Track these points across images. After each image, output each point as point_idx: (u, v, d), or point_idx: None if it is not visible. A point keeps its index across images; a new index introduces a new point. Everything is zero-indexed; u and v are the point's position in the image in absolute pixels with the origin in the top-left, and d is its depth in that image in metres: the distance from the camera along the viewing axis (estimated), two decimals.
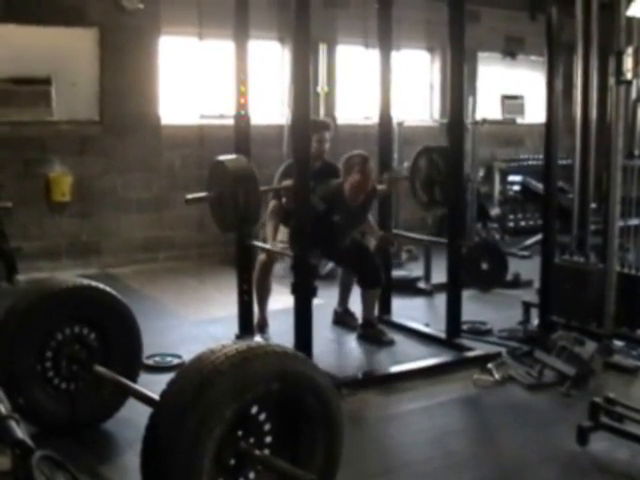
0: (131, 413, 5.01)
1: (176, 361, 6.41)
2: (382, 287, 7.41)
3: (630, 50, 6.43)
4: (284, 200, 6.97)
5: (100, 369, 4.91)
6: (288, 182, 6.53)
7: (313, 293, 6.07)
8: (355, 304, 7.58)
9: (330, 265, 8.67)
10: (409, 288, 9.11)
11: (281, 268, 7.98)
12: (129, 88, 10.19)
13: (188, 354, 3.78)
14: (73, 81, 9.96)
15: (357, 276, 7.35)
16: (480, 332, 7.41)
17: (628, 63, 6.41)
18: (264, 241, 7.29)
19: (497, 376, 6.21)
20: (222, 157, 6.31)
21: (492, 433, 5.53)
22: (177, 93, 10.82)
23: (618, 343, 6.70)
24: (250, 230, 6.78)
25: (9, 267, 9.11)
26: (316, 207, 6.49)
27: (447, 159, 7.10)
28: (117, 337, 5.16)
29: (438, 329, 7.28)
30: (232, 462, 3.54)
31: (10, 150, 9.57)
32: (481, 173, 11.77)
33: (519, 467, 4.83)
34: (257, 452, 3.58)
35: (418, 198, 7.41)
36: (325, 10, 10.95)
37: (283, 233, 7.12)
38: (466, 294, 7.64)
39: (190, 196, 6.49)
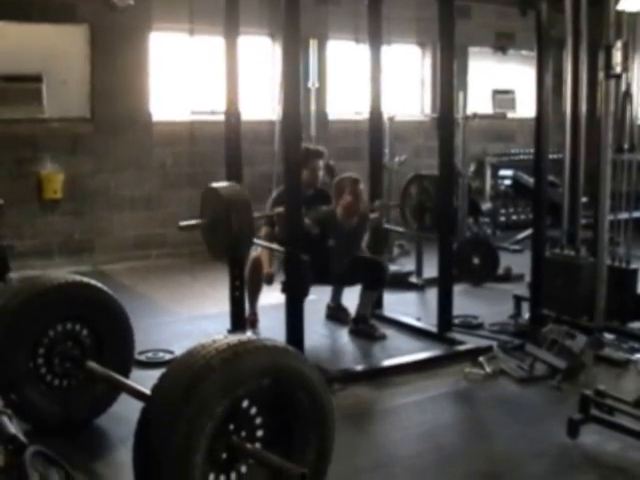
0: (124, 409, 5.01)
1: (168, 357, 6.41)
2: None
3: (619, 44, 6.44)
4: (277, 229, 6.96)
5: (92, 365, 4.91)
6: (280, 209, 6.54)
7: (305, 294, 6.10)
8: (348, 299, 7.59)
9: None
10: (401, 283, 9.12)
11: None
12: (120, 85, 10.18)
13: (180, 350, 3.78)
14: (64, 79, 9.95)
15: (365, 281, 7.28)
16: (471, 326, 7.43)
17: (617, 57, 6.42)
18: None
19: (488, 370, 6.24)
20: (215, 184, 6.31)
21: (483, 427, 5.55)
22: (168, 90, 10.81)
23: (608, 336, 6.74)
24: (243, 257, 6.72)
25: (1, 266, 9.09)
26: (310, 231, 6.52)
27: (438, 186, 7.11)
28: (109, 334, 5.17)
29: (430, 323, 7.30)
30: (224, 456, 3.56)
31: (1, 148, 9.56)
32: (472, 168, 11.77)
33: (510, 461, 4.85)
34: (248, 446, 3.60)
35: (408, 225, 7.47)
36: (316, 6, 10.95)
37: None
38: (457, 288, 7.68)
39: (184, 223, 6.51)
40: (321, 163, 7.50)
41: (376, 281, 7.29)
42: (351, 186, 6.96)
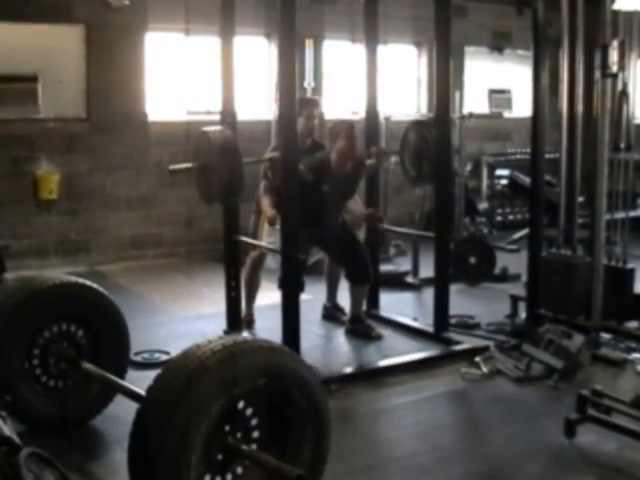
0: (119, 410, 5.00)
1: (164, 357, 6.37)
2: (371, 283, 7.40)
3: (615, 43, 6.44)
4: (269, 174, 6.84)
5: (88, 366, 4.90)
6: (274, 154, 6.44)
7: (301, 288, 6.06)
8: (344, 299, 7.58)
9: (316, 256, 8.61)
10: (397, 282, 9.11)
11: (272, 261, 7.92)
12: (116, 85, 10.16)
13: (176, 350, 3.77)
14: (60, 78, 9.92)
15: (346, 271, 7.33)
16: (468, 326, 7.42)
17: (613, 56, 6.42)
18: (254, 236, 7.25)
19: (485, 370, 6.24)
20: (207, 128, 6.30)
21: (480, 427, 5.55)
22: (164, 89, 10.79)
23: (605, 336, 6.74)
24: (234, 202, 6.68)
25: None
26: (304, 178, 6.39)
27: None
28: (105, 334, 5.16)
29: (426, 323, 7.29)
30: (219, 457, 3.55)
31: None
32: (469, 167, 11.78)
33: (507, 460, 4.84)
34: (244, 447, 3.59)
35: (407, 173, 7.36)
36: (311, 5, 10.93)
37: (272, 231, 7.03)
38: (454, 288, 7.66)
39: (175, 166, 6.48)
40: (316, 111, 7.41)
41: (357, 277, 7.24)
42: (345, 130, 6.79)
